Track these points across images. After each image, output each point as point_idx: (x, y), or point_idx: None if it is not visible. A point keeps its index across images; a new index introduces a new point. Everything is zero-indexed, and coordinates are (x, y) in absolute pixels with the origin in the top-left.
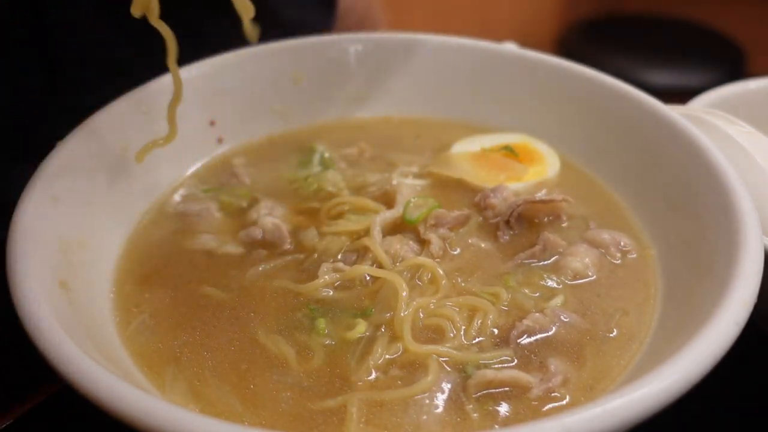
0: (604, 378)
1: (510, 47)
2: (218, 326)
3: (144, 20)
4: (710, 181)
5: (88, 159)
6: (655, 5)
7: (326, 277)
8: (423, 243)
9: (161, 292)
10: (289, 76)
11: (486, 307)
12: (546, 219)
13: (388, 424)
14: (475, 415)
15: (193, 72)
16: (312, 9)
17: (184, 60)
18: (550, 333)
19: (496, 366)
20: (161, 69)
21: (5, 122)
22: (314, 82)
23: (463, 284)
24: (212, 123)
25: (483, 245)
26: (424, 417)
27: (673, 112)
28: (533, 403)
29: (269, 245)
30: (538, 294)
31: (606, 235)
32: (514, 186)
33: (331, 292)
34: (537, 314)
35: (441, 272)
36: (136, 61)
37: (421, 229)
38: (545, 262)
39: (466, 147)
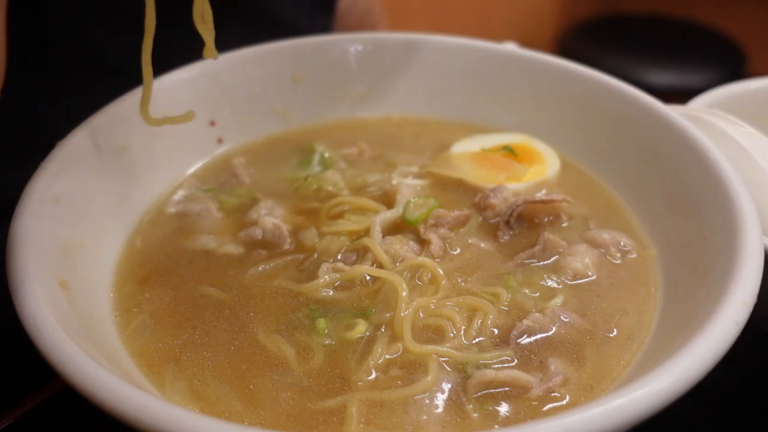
0: (604, 378)
1: (510, 47)
2: (218, 326)
3: (143, 20)
4: (710, 181)
5: (88, 159)
6: (655, 5)
7: (326, 277)
8: (423, 243)
9: (161, 292)
10: (289, 76)
11: (486, 307)
12: (546, 219)
13: (388, 424)
14: (475, 415)
15: (193, 72)
16: (311, 9)
17: (184, 60)
18: (550, 333)
19: (496, 366)
20: (161, 69)
21: (5, 122)
22: (314, 82)
23: (463, 284)
24: (212, 123)
25: (483, 245)
26: (424, 417)
27: (673, 112)
28: (533, 403)
29: (269, 245)
30: (538, 294)
31: (606, 235)
32: (514, 186)
33: (331, 292)
34: (537, 314)
35: (441, 272)
36: (135, 62)
37: (421, 229)
38: (545, 262)
39: (466, 147)
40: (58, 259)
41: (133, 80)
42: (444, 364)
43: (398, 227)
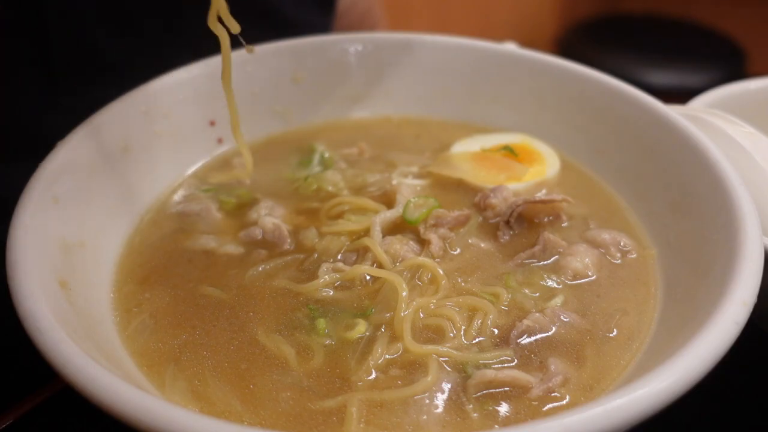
0: (604, 378)
1: (510, 47)
2: (218, 326)
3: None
4: (710, 181)
5: (88, 159)
6: (655, 5)
7: (326, 277)
8: (423, 243)
9: (161, 292)
10: (289, 76)
11: (486, 307)
12: (546, 219)
13: (388, 424)
14: (475, 415)
15: (194, 72)
16: (311, 7)
17: (184, 60)
18: (550, 333)
19: (496, 366)
20: (161, 69)
21: (5, 122)
22: (314, 82)
23: (463, 284)
24: (212, 123)
25: (483, 245)
26: (424, 417)
27: (673, 112)
28: (533, 403)
29: (269, 245)
30: (538, 294)
31: (606, 235)
32: (514, 186)
33: (331, 292)
34: (537, 314)
35: (441, 272)
36: (135, 61)
37: (421, 229)
38: (545, 262)
39: (466, 147)
40: (58, 259)
41: (132, 79)
42: (444, 364)
43: (398, 227)
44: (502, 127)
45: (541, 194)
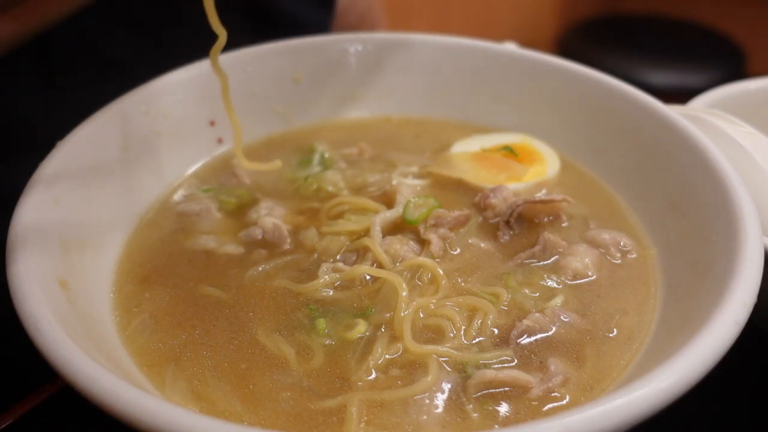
0: (604, 378)
1: (510, 47)
2: (218, 326)
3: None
4: (710, 181)
5: (88, 159)
6: (655, 5)
7: (326, 277)
8: (423, 243)
9: (161, 292)
10: (289, 76)
11: (486, 307)
12: (546, 219)
13: (388, 424)
14: (475, 415)
15: (194, 72)
16: (311, 6)
17: (184, 60)
18: (550, 333)
19: (496, 366)
20: (161, 69)
21: (4, 121)
22: (314, 82)
23: (463, 284)
24: (212, 123)
25: (483, 245)
26: (424, 417)
27: (673, 112)
28: (533, 403)
29: (269, 245)
30: (538, 294)
31: (606, 235)
32: (514, 186)
33: (331, 292)
34: (537, 314)
35: (441, 272)
36: (135, 61)
37: (421, 229)
38: (545, 262)
39: (466, 147)
40: (58, 259)
41: (131, 77)
42: (444, 364)
43: (398, 227)
44: (502, 127)
45: (541, 194)
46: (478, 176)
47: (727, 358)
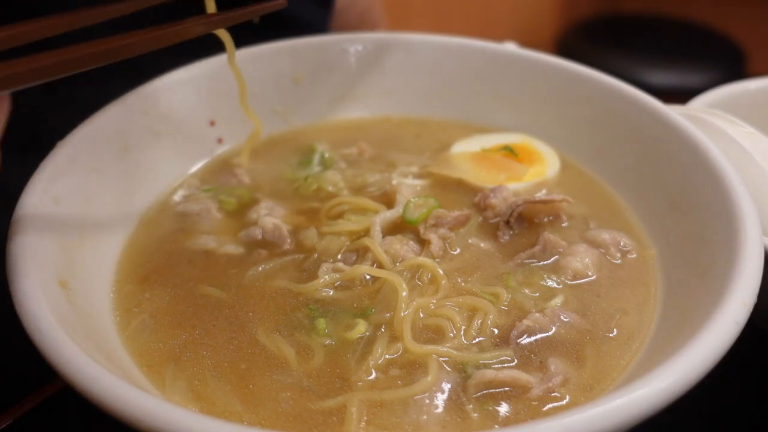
0: (604, 378)
1: (510, 47)
2: (218, 326)
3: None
4: (710, 181)
5: (88, 159)
6: (655, 5)
7: (326, 277)
8: (423, 243)
9: (161, 292)
10: (289, 76)
11: (486, 307)
12: (546, 219)
13: (388, 424)
14: (475, 415)
15: (193, 72)
16: (309, 4)
17: (184, 60)
18: (550, 333)
19: (496, 366)
20: (161, 68)
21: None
22: (314, 82)
23: (463, 284)
24: (212, 123)
25: (483, 245)
26: (424, 417)
27: (673, 112)
28: (533, 403)
29: (269, 245)
30: (538, 294)
31: (606, 235)
32: (514, 186)
33: (331, 292)
34: (537, 314)
35: (441, 272)
36: (135, 60)
37: (421, 229)
38: (545, 262)
39: (466, 147)
40: (58, 259)
41: (131, 77)
42: (444, 364)
43: (398, 227)
44: (502, 127)
45: (541, 194)
46: (478, 176)
47: (727, 358)
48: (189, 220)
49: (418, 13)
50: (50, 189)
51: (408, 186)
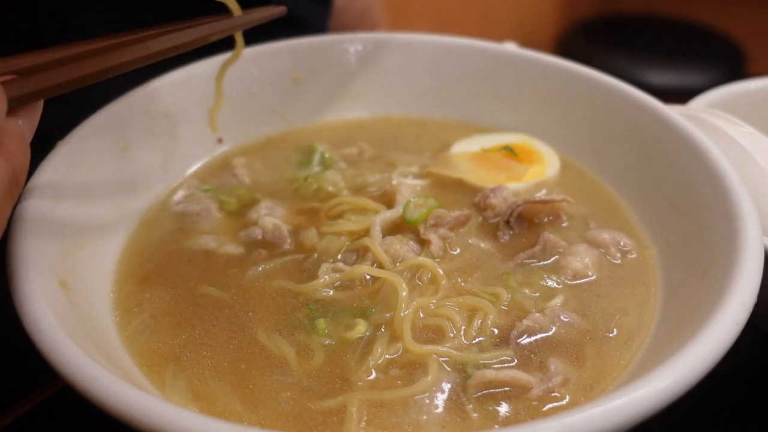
0: (604, 378)
1: (510, 47)
2: (218, 326)
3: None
4: (710, 181)
5: (88, 159)
6: (655, 5)
7: (326, 277)
8: (423, 243)
9: (161, 292)
10: (289, 76)
11: (486, 307)
12: (546, 219)
13: (388, 424)
14: (475, 415)
15: (193, 72)
16: (308, 3)
17: (184, 60)
18: (550, 333)
19: (496, 366)
20: (161, 68)
21: None
22: (314, 82)
23: (463, 284)
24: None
25: (483, 245)
26: (424, 417)
27: (673, 112)
28: (533, 403)
29: (269, 245)
30: (538, 294)
31: (606, 235)
32: (514, 186)
33: (331, 292)
34: (537, 314)
35: (441, 272)
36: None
37: (421, 229)
38: (545, 262)
39: (466, 147)
40: (58, 259)
41: (132, 76)
42: (444, 364)
43: (398, 227)
44: (502, 127)
45: (541, 194)
46: (478, 176)
47: (727, 358)
48: (189, 220)
49: (418, 13)
50: (50, 189)
51: (408, 186)
